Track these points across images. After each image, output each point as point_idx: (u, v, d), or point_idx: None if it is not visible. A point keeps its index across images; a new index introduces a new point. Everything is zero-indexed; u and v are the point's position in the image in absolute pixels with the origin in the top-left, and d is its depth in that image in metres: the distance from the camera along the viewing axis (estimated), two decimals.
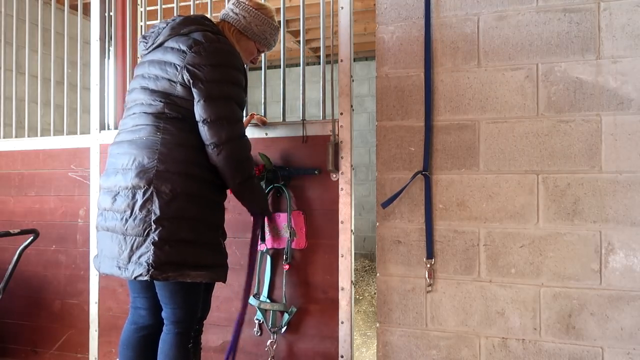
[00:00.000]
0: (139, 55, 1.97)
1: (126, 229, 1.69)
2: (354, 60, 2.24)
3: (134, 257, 1.67)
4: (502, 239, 1.95)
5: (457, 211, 2.00)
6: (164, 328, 1.82)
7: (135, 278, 1.67)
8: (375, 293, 2.19)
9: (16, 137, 2.96)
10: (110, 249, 1.74)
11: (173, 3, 2.62)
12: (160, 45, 1.83)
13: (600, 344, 1.84)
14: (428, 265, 2.02)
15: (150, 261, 1.64)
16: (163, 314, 1.82)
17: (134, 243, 1.68)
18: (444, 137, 2.02)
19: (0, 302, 2.36)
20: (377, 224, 2.12)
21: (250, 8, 1.95)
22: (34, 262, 2.78)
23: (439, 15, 2.03)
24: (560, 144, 1.89)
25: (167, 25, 1.85)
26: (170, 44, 1.80)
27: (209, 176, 1.79)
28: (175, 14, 2.57)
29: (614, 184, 1.83)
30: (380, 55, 2.12)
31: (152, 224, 1.66)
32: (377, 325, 2.12)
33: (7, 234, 2.28)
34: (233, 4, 1.98)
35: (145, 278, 1.64)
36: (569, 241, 1.87)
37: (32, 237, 2.30)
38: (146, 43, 1.88)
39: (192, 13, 2.57)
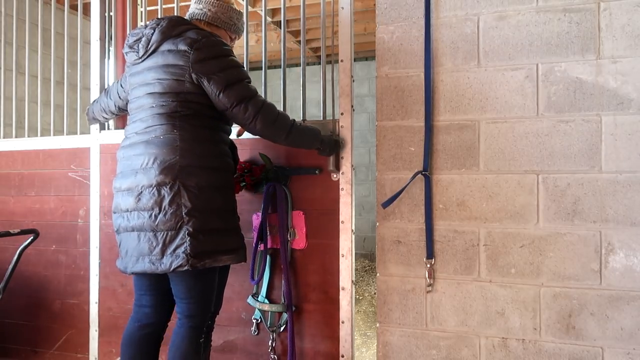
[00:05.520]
0: (128, 64, 1.97)
1: (157, 225, 1.76)
2: (354, 60, 2.24)
3: (168, 251, 1.75)
4: (502, 239, 1.95)
5: (457, 211, 2.00)
6: (177, 322, 1.87)
7: (174, 270, 1.74)
8: (375, 293, 2.19)
9: (16, 137, 2.96)
10: (138, 248, 1.80)
11: (173, 3, 2.62)
12: (155, 51, 1.87)
13: (600, 344, 1.84)
14: (428, 265, 2.02)
15: (189, 251, 1.73)
16: (177, 309, 1.88)
17: (166, 237, 1.75)
18: (444, 137, 2.02)
19: (0, 302, 2.35)
20: (377, 224, 2.12)
21: (212, 0, 2.04)
22: (34, 262, 2.78)
23: (439, 15, 2.03)
24: (560, 144, 1.89)
25: (154, 30, 1.88)
26: (166, 47, 1.85)
27: (226, 166, 1.91)
28: (176, 14, 2.58)
29: (614, 184, 1.83)
30: (380, 55, 2.12)
31: (185, 216, 1.74)
32: (377, 325, 2.12)
33: (7, 234, 2.28)
34: (195, 2, 2.05)
35: (186, 268, 1.73)
36: (569, 241, 1.87)
37: (32, 237, 2.30)
38: (137, 52, 1.91)
39: None
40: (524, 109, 1.93)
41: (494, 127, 1.96)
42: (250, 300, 2.30)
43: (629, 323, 1.81)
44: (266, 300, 2.30)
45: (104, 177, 2.59)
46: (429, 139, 2.02)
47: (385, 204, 2.05)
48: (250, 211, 2.33)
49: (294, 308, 2.24)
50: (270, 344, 2.27)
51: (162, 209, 1.75)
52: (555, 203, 1.89)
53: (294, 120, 1.98)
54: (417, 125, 2.05)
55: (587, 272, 1.85)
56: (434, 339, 2.03)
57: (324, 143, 2.07)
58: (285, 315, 2.25)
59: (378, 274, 2.12)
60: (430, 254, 2.01)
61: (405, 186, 2.03)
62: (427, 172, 2.02)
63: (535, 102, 1.92)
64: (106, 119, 2.36)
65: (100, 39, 2.67)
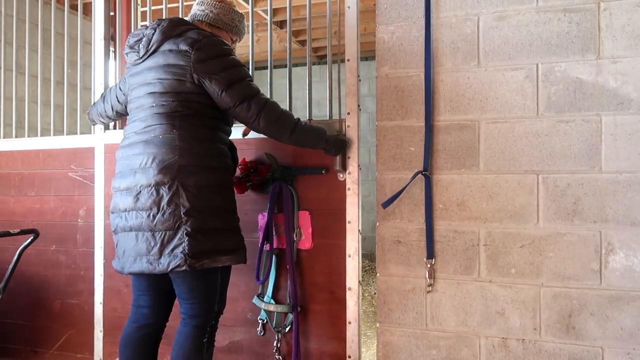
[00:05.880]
0: (128, 65, 1.98)
1: (155, 225, 1.75)
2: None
3: (166, 251, 1.74)
4: (502, 239, 1.95)
5: (457, 211, 2.00)
6: (181, 322, 1.88)
7: (172, 270, 1.74)
8: (375, 293, 2.19)
9: (16, 137, 2.96)
10: (136, 248, 1.79)
11: (178, 2, 2.61)
12: (155, 51, 1.87)
13: (600, 344, 1.84)
14: (428, 265, 2.02)
15: (187, 251, 1.73)
16: (180, 309, 1.88)
17: (164, 237, 1.75)
18: (444, 137, 2.02)
19: (0, 302, 2.35)
20: (377, 224, 2.12)
21: (214, 2, 2.05)
22: (34, 262, 2.78)
23: (439, 15, 2.03)
24: (560, 144, 1.89)
25: (155, 30, 1.88)
26: (167, 47, 1.86)
27: (225, 165, 1.91)
28: (181, 14, 2.58)
29: (614, 184, 1.83)
30: (380, 55, 2.12)
31: (183, 216, 1.74)
32: (377, 325, 2.12)
33: (7, 234, 2.28)
34: (197, 3, 2.06)
35: (184, 268, 1.73)
36: (569, 241, 1.87)
37: (32, 237, 2.30)
38: (137, 52, 1.91)
39: None
40: (524, 109, 1.93)
41: (494, 127, 1.96)
42: (255, 300, 2.29)
43: (629, 323, 1.81)
44: (272, 301, 2.29)
45: (109, 177, 2.58)
46: (429, 139, 2.02)
47: (385, 204, 2.05)
48: (255, 211, 2.32)
49: (299, 308, 2.23)
50: (275, 344, 2.26)
51: (161, 208, 1.74)
52: (555, 203, 1.89)
53: (299, 119, 1.97)
54: (417, 125, 2.05)
55: (587, 272, 1.85)
56: (434, 339, 2.03)
57: (330, 143, 2.06)
58: (291, 316, 2.24)
59: (378, 274, 2.12)
60: (430, 254, 2.01)
61: (406, 186, 2.03)
62: (427, 172, 2.02)
63: (535, 102, 1.92)
64: (104, 122, 2.38)
65: (104, 38, 2.67)
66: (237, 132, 2.26)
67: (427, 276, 2.02)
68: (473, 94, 1.99)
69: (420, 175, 2.02)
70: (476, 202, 1.98)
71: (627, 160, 1.82)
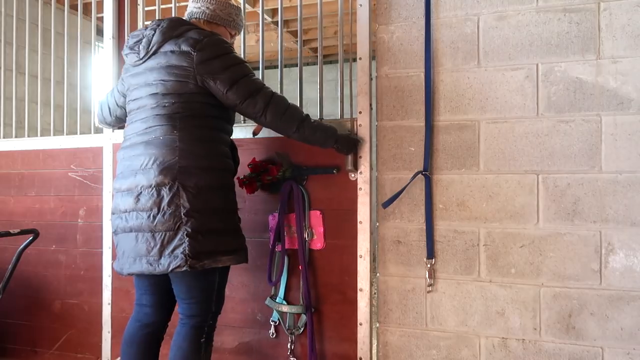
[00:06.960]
0: (126, 66, 1.97)
1: (155, 226, 1.75)
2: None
3: (166, 252, 1.75)
4: (502, 239, 1.95)
5: (457, 211, 2.00)
6: (179, 321, 1.88)
7: (172, 270, 1.74)
8: (375, 293, 2.19)
9: (16, 137, 2.96)
10: (136, 249, 1.79)
11: (187, 1, 2.60)
12: (156, 52, 1.86)
13: (600, 344, 1.84)
14: (428, 265, 2.02)
15: (187, 252, 1.73)
16: (178, 309, 1.88)
17: (164, 238, 1.75)
18: (444, 137, 2.02)
19: (0, 302, 2.35)
20: (377, 224, 2.11)
21: None
22: (34, 262, 2.78)
23: (439, 16, 2.03)
24: (560, 144, 1.89)
25: (155, 31, 1.87)
26: (167, 47, 1.85)
27: (226, 166, 1.90)
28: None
29: (614, 184, 1.83)
30: (380, 55, 2.12)
31: (183, 217, 1.74)
32: (377, 325, 2.12)
33: (7, 234, 2.28)
34: (192, 1, 2.04)
35: (184, 269, 1.73)
36: (569, 241, 1.87)
37: (32, 237, 2.30)
38: (138, 53, 1.90)
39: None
40: (524, 109, 1.93)
41: (494, 127, 1.96)
42: (269, 302, 2.28)
43: (629, 323, 1.81)
44: (284, 302, 2.27)
45: None
46: (429, 139, 2.02)
47: (386, 204, 2.05)
48: (266, 211, 2.31)
49: (313, 309, 2.21)
50: (289, 346, 2.24)
51: (161, 209, 1.74)
52: (555, 203, 1.89)
53: (307, 115, 1.95)
54: (417, 125, 2.05)
55: (587, 272, 1.85)
56: (434, 339, 2.03)
57: (339, 142, 2.02)
58: (303, 317, 2.22)
59: (378, 274, 2.12)
60: (430, 254, 2.01)
61: (406, 186, 2.03)
62: (427, 172, 2.01)
63: (535, 102, 1.92)
64: (107, 128, 2.37)
65: (112, 37, 2.67)
66: (247, 131, 2.26)
67: (427, 276, 2.02)
68: (473, 94, 1.99)
69: (420, 175, 2.02)
70: (476, 202, 1.98)
71: (627, 160, 1.82)
